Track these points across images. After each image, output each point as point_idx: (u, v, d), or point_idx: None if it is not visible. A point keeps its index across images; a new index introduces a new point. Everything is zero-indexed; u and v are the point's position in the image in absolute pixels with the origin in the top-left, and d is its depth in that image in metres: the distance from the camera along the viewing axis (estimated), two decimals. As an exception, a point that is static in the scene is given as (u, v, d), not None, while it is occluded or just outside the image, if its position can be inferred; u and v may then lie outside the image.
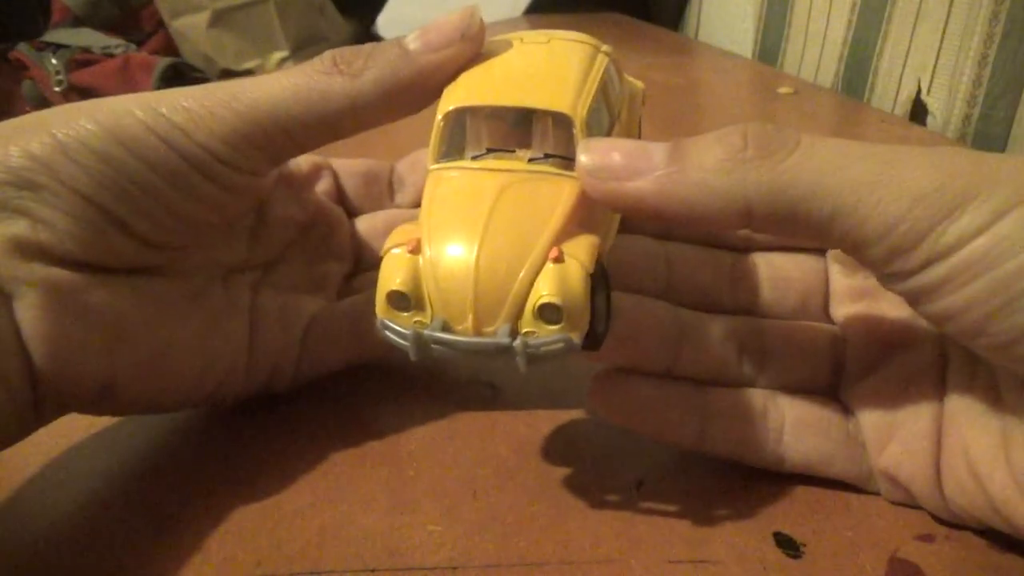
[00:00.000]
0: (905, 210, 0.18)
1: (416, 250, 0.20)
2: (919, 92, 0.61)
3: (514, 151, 0.22)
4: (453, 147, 0.22)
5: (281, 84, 0.23)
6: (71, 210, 0.21)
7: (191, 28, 0.76)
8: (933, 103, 0.60)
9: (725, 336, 0.25)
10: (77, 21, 0.79)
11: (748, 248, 0.28)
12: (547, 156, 0.22)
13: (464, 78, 0.23)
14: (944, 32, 0.58)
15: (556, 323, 0.19)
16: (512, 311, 0.19)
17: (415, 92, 0.23)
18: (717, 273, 0.27)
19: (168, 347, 0.24)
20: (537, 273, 0.19)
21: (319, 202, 0.30)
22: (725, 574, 0.22)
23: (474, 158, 0.22)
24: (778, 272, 0.27)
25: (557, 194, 0.21)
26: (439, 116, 0.22)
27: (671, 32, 0.98)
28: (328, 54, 0.24)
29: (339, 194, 0.32)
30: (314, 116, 0.23)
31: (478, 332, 0.20)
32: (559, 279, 0.19)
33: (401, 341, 0.20)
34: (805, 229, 0.19)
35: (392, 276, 0.20)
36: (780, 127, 0.20)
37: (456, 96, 0.23)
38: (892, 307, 0.25)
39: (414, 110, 0.24)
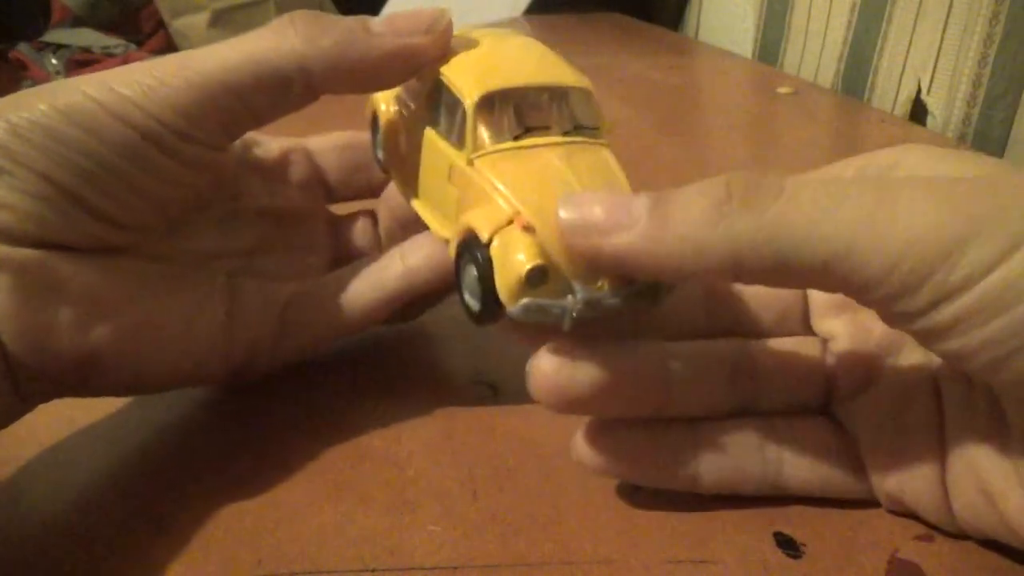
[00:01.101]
0: (904, 248, 0.17)
1: (529, 227, 0.20)
2: (919, 92, 0.61)
3: (548, 128, 0.23)
4: (492, 131, 0.23)
5: (232, 49, 0.23)
6: (31, 191, 0.21)
7: (191, 28, 0.76)
8: (933, 103, 0.60)
9: (715, 365, 0.24)
10: (77, 21, 0.79)
11: None
12: (576, 128, 0.24)
13: (467, 68, 0.24)
14: (944, 32, 0.58)
15: None
16: None
17: (368, 69, 0.24)
18: (694, 294, 0.26)
19: (145, 323, 0.24)
20: None
21: (290, 194, 0.30)
22: (725, 574, 0.22)
23: (515, 138, 0.23)
24: (755, 288, 0.26)
25: (606, 157, 0.23)
26: (470, 103, 0.23)
27: (671, 32, 0.98)
28: (286, 17, 0.24)
29: (317, 175, 0.31)
30: (264, 79, 0.23)
31: (615, 286, 0.21)
32: None
33: (552, 315, 0.21)
34: (799, 278, 0.19)
35: (522, 256, 0.20)
36: (763, 174, 0.19)
37: (478, 83, 0.23)
38: (875, 317, 0.24)
39: (367, 88, 0.25)
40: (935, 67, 0.59)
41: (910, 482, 0.22)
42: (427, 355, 0.32)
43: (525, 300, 0.20)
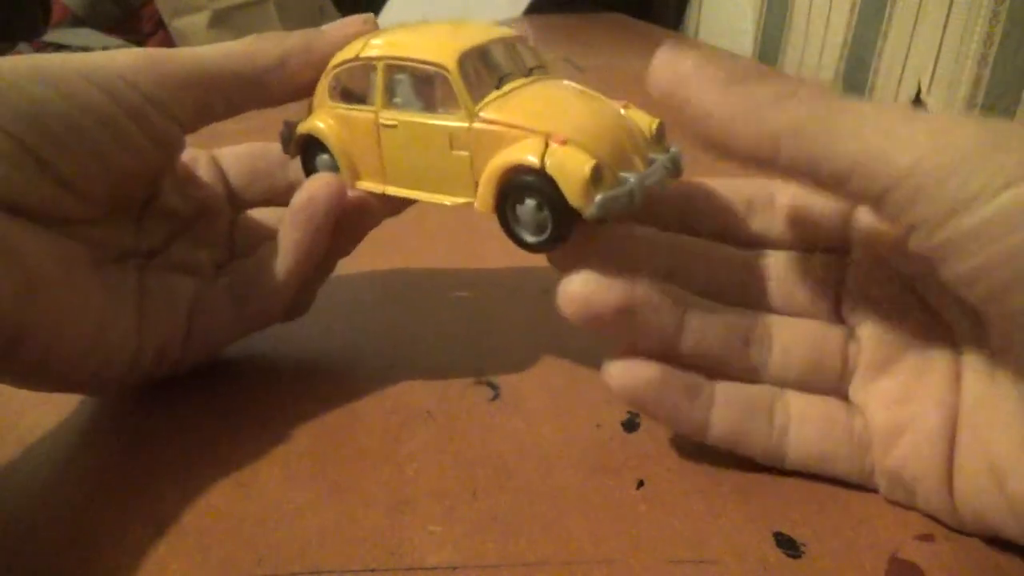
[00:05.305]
0: (931, 150, 0.18)
1: (566, 141, 0.23)
2: (919, 92, 0.61)
3: (512, 74, 0.26)
4: (477, 87, 0.25)
5: (215, 49, 0.27)
6: None
7: (191, 28, 0.76)
8: (933, 103, 0.60)
9: (729, 323, 0.25)
10: (77, 21, 0.79)
11: (762, 245, 0.27)
12: (533, 69, 0.27)
13: (417, 46, 0.26)
14: (944, 32, 0.58)
15: (662, 143, 0.26)
16: (645, 145, 0.25)
17: (325, 60, 0.28)
18: (727, 267, 0.27)
19: (69, 309, 0.24)
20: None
21: (202, 197, 0.31)
22: (725, 574, 0.22)
23: (497, 87, 0.25)
24: (789, 271, 0.26)
25: (576, 84, 0.27)
26: (453, 67, 0.24)
27: (671, 32, 0.98)
28: (252, 36, 0.28)
29: (221, 178, 0.32)
30: (247, 70, 0.27)
31: (644, 169, 0.24)
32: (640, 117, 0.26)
33: (623, 201, 0.23)
34: (831, 170, 0.20)
35: (579, 160, 0.23)
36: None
37: (444, 51, 0.25)
38: (909, 310, 0.24)
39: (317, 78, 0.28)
40: (935, 67, 0.59)
41: (912, 460, 0.23)
42: (427, 355, 0.32)
43: (599, 196, 0.22)
